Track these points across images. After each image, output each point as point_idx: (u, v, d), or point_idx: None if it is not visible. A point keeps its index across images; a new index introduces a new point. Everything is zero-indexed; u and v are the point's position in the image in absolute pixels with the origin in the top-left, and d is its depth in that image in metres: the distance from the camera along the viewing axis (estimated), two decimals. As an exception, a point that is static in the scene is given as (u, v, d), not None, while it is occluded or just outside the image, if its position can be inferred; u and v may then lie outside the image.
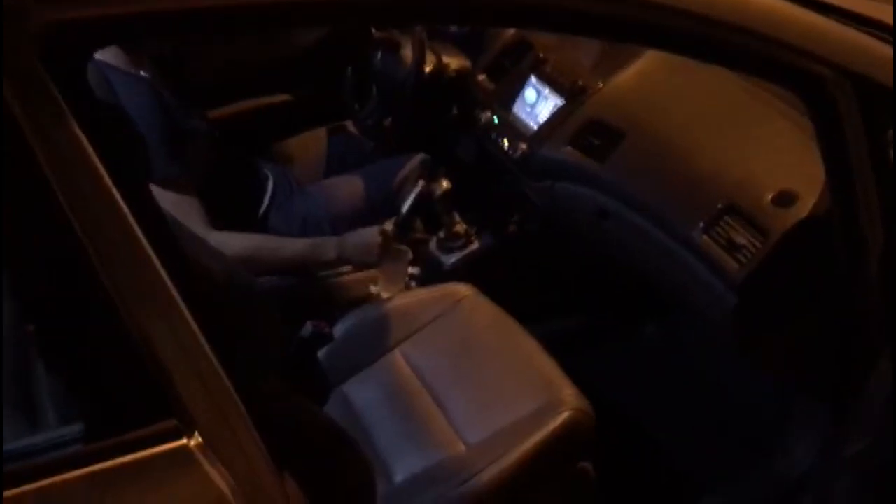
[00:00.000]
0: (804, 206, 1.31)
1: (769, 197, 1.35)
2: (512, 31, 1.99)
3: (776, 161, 1.41)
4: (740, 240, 1.33)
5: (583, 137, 1.66)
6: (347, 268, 1.85)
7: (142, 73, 1.73)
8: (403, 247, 1.83)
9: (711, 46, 1.04)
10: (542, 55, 1.86)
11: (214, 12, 0.78)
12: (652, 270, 1.62)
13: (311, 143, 2.26)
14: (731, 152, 1.46)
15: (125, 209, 0.75)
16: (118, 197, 0.74)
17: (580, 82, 1.73)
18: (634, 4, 0.95)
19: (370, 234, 1.80)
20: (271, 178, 2.00)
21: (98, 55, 1.67)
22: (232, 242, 1.65)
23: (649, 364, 2.03)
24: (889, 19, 1.03)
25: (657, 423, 1.90)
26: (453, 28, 2.03)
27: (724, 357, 1.88)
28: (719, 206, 1.39)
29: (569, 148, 1.68)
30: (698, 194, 1.43)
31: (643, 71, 1.70)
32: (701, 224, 1.40)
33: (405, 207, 1.88)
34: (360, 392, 1.61)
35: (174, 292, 0.76)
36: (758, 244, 1.31)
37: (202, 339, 0.78)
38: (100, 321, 0.76)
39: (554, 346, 1.61)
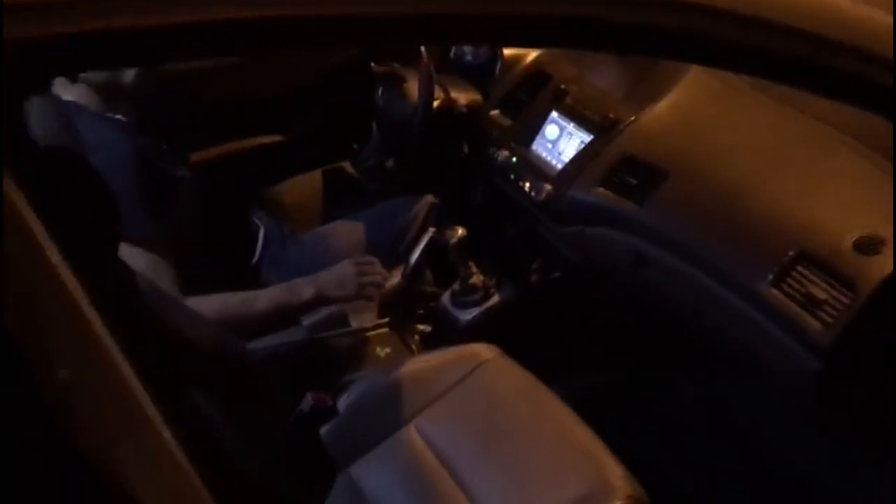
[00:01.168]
0: (891, 253, 1.12)
1: (849, 243, 1.16)
2: (527, 61, 1.82)
3: (849, 200, 1.23)
4: (821, 294, 1.14)
5: (617, 177, 1.48)
6: (350, 326, 1.63)
7: (117, 116, 1.52)
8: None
9: (803, 67, 0.85)
10: (563, 86, 1.68)
11: (217, 27, 0.58)
12: (700, 324, 1.42)
13: (305, 188, 2.06)
14: (794, 191, 1.27)
15: (82, 291, 0.54)
16: (70, 277, 0.53)
17: (610, 115, 1.54)
18: (714, 16, 0.76)
19: (344, 266, 1.66)
20: (262, 227, 1.80)
21: (65, 94, 1.47)
22: (205, 306, 1.42)
23: (685, 421, 1.82)
24: None
25: (698, 487, 1.69)
26: (467, 57, 1.85)
27: (768, 412, 1.69)
28: (790, 254, 1.19)
29: (601, 189, 1.49)
30: (761, 241, 1.24)
31: (681, 101, 1.53)
32: (769, 276, 1.20)
33: (414, 257, 1.68)
34: (371, 475, 1.39)
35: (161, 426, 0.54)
36: (844, 299, 1.11)
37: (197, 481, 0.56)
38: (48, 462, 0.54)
39: (582, 405, 1.41)
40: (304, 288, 1.59)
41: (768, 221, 1.25)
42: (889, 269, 1.10)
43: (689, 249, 1.33)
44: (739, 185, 1.32)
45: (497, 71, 1.87)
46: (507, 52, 1.84)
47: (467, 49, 1.81)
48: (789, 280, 1.18)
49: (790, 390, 1.29)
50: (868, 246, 1.14)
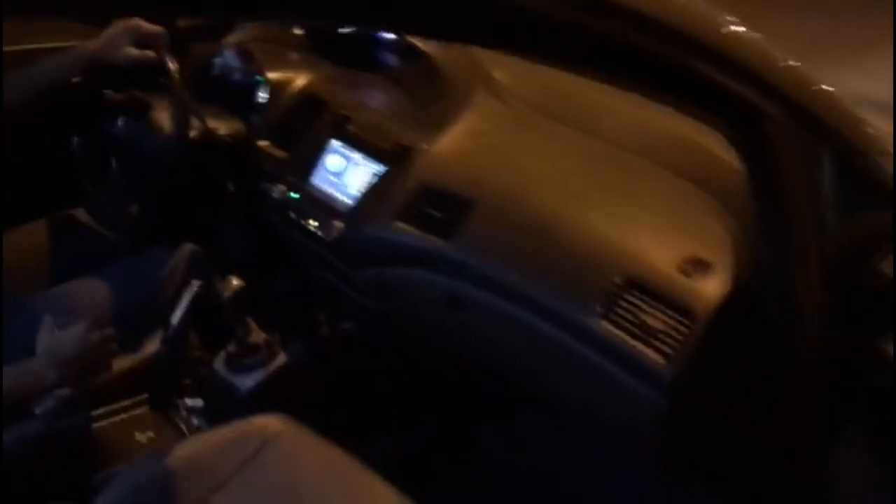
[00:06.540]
0: (722, 276, 1.07)
1: (674, 267, 1.09)
2: (297, 85, 1.62)
3: (669, 224, 1.17)
4: (655, 323, 1.06)
5: (417, 209, 1.32)
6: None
7: None
8: None
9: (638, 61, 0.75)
10: (342, 112, 1.50)
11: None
12: (527, 369, 1.30)
13: (24, 242, 1.65)
14: (611, 217, 1.19)
15: None
16: None
17: (402, 142, 1.39)
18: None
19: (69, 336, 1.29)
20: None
21: None
22: None
23: (495, 473, 1.69)
24: None
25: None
26: (234, 76, 1.57)
27: (584, 460, 1.62)
28: (616, 282, 1.11)
29: (400, 223, 1.32)
30: (585, 271, 1.14)
31: (476, 127, 1.41)
32: (597, 308, 1.10)
33: (176, 318, 1.39)
34: None
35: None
36: (682, 328, 1.04)
37: None
38: None
39: (389, 468, 1.21)
40: (43, 370, 1.24)
41: (590, 250, 1.16)
42: (721, 292, 1.05)
43: (508, 286, 1.20)
44: (554, 214, 1.22)
45: (258, 97, 1.64)
46: (272, 74, 1.62)
47: (233, 63, 1.56)
48: (619, 310, 1.09)
49: (628, 439, 1.20)
50: (694, 269, 1.09)
